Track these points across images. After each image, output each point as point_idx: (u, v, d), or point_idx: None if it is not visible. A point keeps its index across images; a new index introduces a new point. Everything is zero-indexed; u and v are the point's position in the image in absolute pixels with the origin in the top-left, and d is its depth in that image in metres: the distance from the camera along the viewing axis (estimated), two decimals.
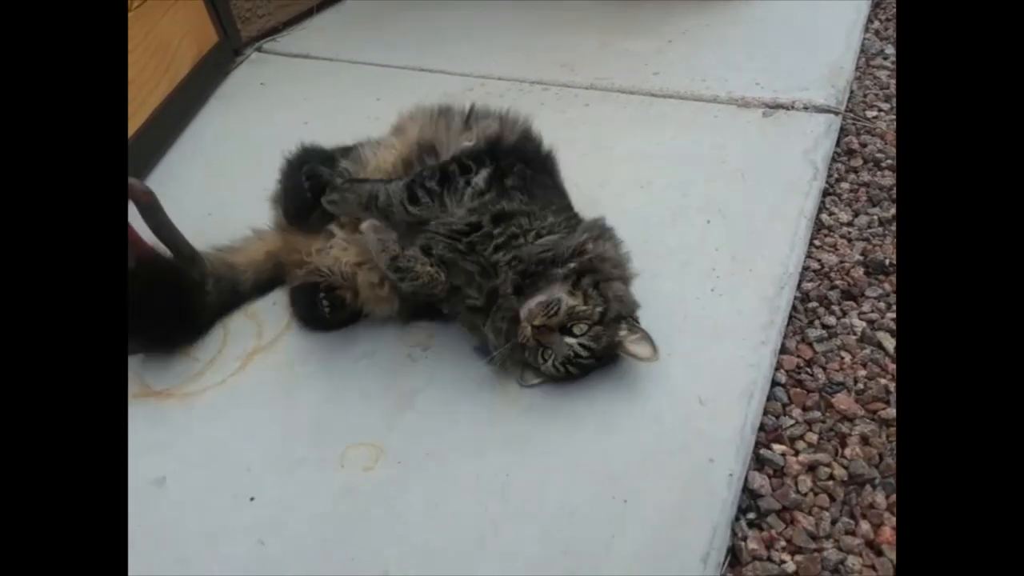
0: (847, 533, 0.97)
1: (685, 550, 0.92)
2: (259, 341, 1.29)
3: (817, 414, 1.11)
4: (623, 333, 1.09)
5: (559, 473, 1.03)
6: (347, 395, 1.17)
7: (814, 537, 0.97)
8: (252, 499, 1.04)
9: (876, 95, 1.84)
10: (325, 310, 1.20)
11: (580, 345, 1.06)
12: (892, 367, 1.16)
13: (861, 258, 1.36)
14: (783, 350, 1.20)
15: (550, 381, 1.12)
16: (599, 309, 1.06)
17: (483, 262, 1.11)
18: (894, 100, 1.80)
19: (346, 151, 1.38)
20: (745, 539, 0.96)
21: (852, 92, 1.84)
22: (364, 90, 2.09)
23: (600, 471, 1.02)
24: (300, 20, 2.62)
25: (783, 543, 0.97)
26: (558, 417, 1.10)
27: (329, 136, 1.54)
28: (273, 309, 1.35)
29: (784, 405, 1.13)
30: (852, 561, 0.93)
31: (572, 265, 1.09)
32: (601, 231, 1.17)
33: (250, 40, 2.43)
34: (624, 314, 1.10)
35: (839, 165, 1.62)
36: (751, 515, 1.00)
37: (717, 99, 1.83)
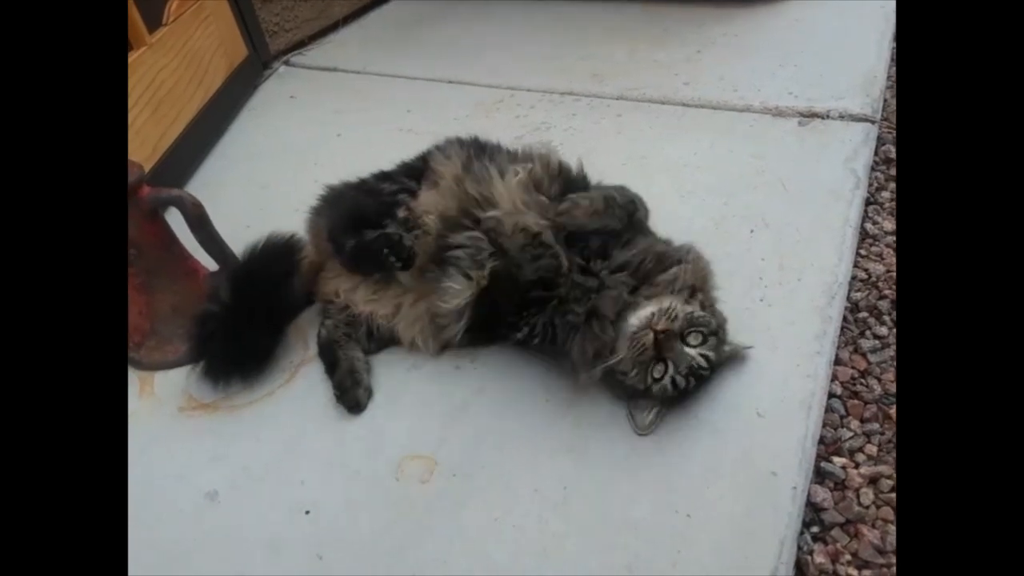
0: None
1: (753, 565, 0.90)
2: (306, 353, 1.28)
3: (875, 426, 1.09)
4: (726, 348, 1.08)
5: (619, 486, 1.01)
6: (396, 407, 1.16)
7: (881, 551, 0.95)
8: (307, 512, 1.03)
9: None
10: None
11: (701, 355, 1.03)
12: None
13: None
14: (837, 361, 1.19)
15: (662, 409, 1.07)
16: (713, 320, 1.05)
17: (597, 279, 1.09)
18: None
19: (387, 207, 1.25)
20: (811, 553, 0.95)
21: (886, 101, 1.84)
22: (394, 102, 2.10)
23: (661, 484, 1.01)
24: (325, 34, 2.65)
25: (849, 557, 0.95)
26: (612, 429, 1.09)
27: (362, 149, 1.55)
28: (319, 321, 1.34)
29: (842, 417, 1.12)
30: None
31: (683, 278, 1.08)
32: (696, 252, 1.15)
33: (278, 54, 2.46)
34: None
35: (878, 174, 1.61)
36: (815, 529, 0.98)
37: (751, 108, 1.83)
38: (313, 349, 1.28)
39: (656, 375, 1.02)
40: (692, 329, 1.03)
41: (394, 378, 1.21)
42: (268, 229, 1.55)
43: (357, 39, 2.63)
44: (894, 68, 2.01)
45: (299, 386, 1.23)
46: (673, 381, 1.02)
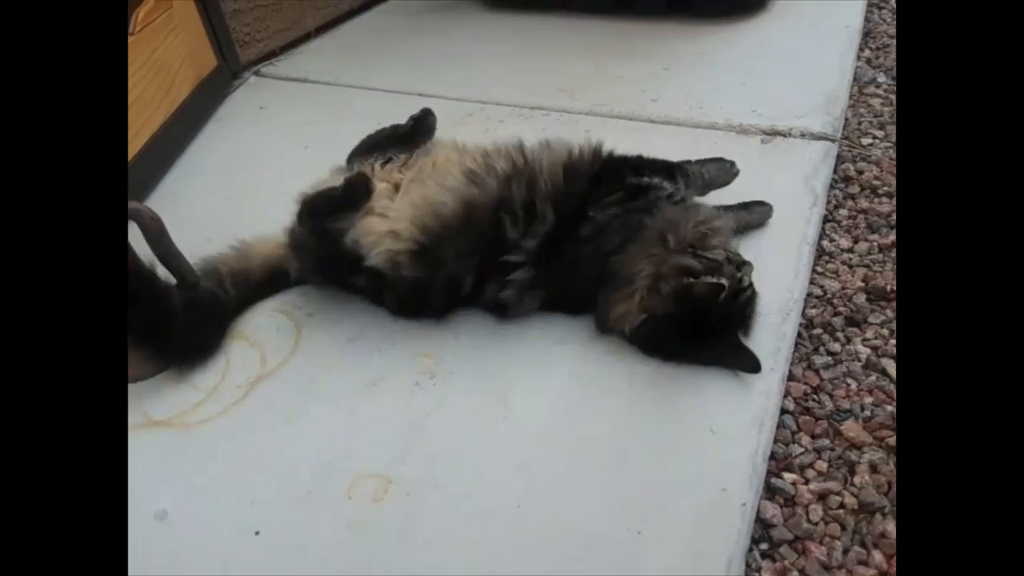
0: (859, 563, 0.96)
1: None
2: (262, 368, 1.27)
3: (826, 442, 1.11)
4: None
5: (572, 502, 1.02)
6: (353, 424, 1.16)
7: (827, 567, 0.96)
8: (257, 533, 1.01)
9: (870, 123, 1.87)
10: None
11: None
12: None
13: (863, 284, 1.38)
14: (790, 377, 1.21)
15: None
16: None
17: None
18: (888, 128, 1.84)
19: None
20: (759, 570, 0.96)
21: (847, 120, 1.88)
22: (364, 114, 2.09)
23: (614, 501, 1.01)
24: (297, 44, 2.64)
25: (796, 574, 0.96)
26: (570, 444, 1.09)
27: (331, 159, 1.55)
28: (277, 335, 1.33)
29: (793, 433, 1.13)
30: None
31: None
32: None
33: (248, 64, 2.45)
34: None
35: (837, 192, 1.65)
36: (764, 546, 0.99)
37: (715, 126, 1.86)
38: (270, 364, 1.27)
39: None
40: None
41: (352, 394, 1.20)
42: (230, 241, 1.54)
43: (329, 50, 2.63)
44: (855, 87, 2.06)
45: (254, 403, 1.21)
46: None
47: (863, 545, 0.99)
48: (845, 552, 0.98)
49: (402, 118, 1.82)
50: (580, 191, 1.28)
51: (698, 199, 1.41)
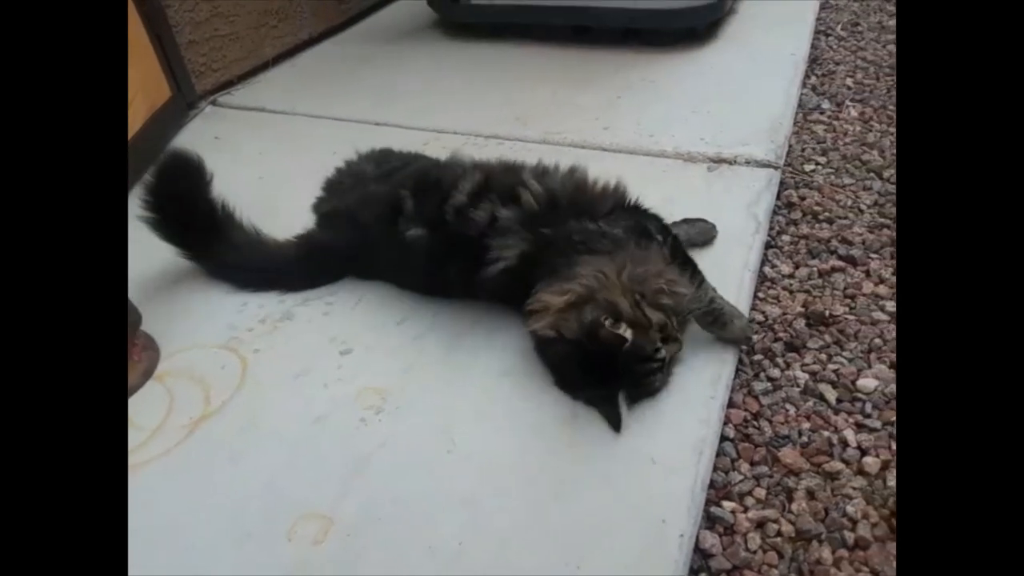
0: None
1: None
2: (206, 407, 1.26)
3: (764, 468, 1.13)
4: None
5: (513, 538, 1.02)
6: (297, 462, 1.15)
7: None
8: None
9: (813, 149, 1.93)
10: None
11: None
12: (834, 419, 1.20)
13: (802, 310, 1.42)
14: (731, 404, 1.23)
15: None
16: None
17: None
18: (830, 154, 1.90)
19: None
20: None
21: (791, 147, 1.93)
22: (319, 144, 2.10)
23: (555, 535, 1.02)
24: (255, 74, 2.65)
25: None
26: (511, 479, 1.10)
27: (284, 190, 1.55)
28: (222, 372, 1.32)
29: (733, 460, 1.15)
30: None
31: None
32: None
33: (204, 94, 2.44)
34: None
35: (780, 218, 1.69)
36: None
37: (665, 154, 1.90)
38: (215, 402, 1.26)
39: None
40: None
41: (296, 431, 1.20)
42: (179, 275, 1.53)
43: (286, 79, 2.64)
44: (800, 114, 2.12)
45: (198, 442, 1.20)
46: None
47: (799, 573, 1.00)
48: None
49: (358, 147, 1.84)
50: (587, 206, 1.33)
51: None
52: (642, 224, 1.33)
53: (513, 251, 1.27)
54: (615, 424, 1.13)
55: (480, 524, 1.04)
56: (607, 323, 1.10)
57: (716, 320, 1.25)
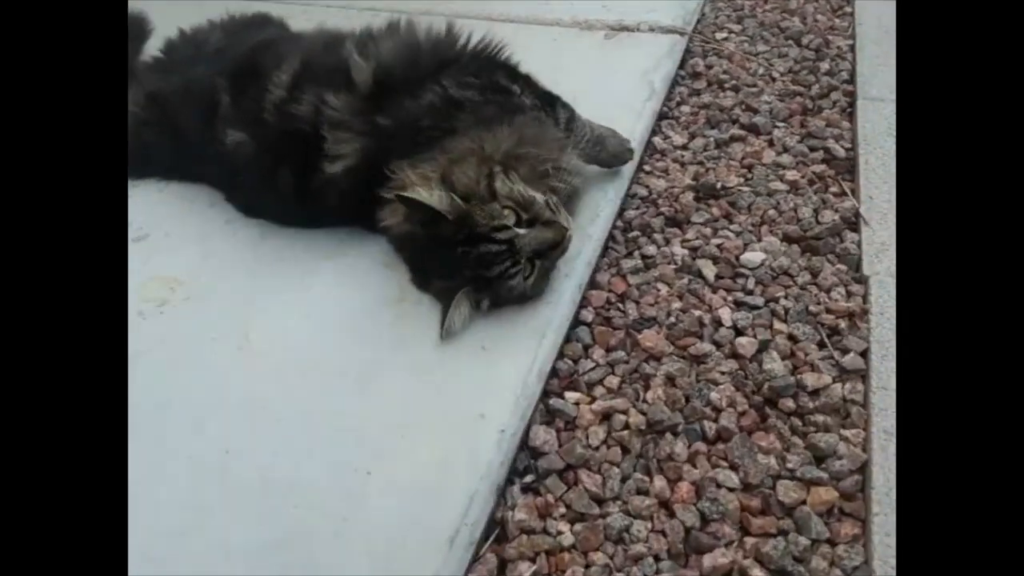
0: (638, 492, 0.81)
1: (431, 527, 0.74)
2: None
3: (621, 354, 0.94)
4: None
5: (296, 443, 0.82)
6: None
7: (599, 500, 0.80)
8: None
9: (728, 16, 1.69)
10: None
11: None
12: (710, 297, 1.01)
13: (692, 182, 1.21)
14: (594, 285, 1.04)
15: None
16: None
17: None
18: (747, 21, 1.66)
19: None
20: (514, 507, 0.79)
21: (704, 14, 1.69)
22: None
23: (349, 436, 0.83)
24: None
25: (562, 510, 0.80)
26: (310, 376, 0.90)
27: None
28: None
29: (587, 347, 0.96)
30: (638, 527, 0.77)
31: None
32: None
33: None
34: None
35: (682, 89, 1.47)
36: (528, 478, 0.82)
37: (559, 23, 1.64)
38: None
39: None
40: None
41: None
42: None
43: None
44: None
45: None
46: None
47: (646, 471, 0.83)
48: (623, 480, 0.82)
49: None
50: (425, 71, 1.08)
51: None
52: (493, 79, 1.09)
53: (350, 146, 1.00)
54: (442, 321, 0.91)
55: (258, 429, 0.84)
56: (412, 191, 0.88)
57: (597, 143, 1.13)
